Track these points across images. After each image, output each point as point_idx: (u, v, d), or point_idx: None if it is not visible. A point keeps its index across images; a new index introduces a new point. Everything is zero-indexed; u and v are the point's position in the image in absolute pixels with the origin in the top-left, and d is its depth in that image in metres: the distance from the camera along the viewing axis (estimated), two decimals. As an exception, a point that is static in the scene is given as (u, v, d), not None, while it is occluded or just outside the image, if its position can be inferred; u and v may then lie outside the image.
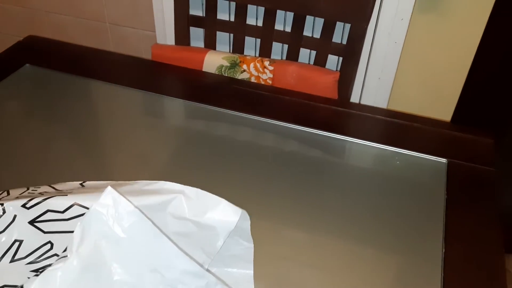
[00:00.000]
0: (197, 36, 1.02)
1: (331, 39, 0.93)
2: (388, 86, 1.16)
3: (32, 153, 0.67)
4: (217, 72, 0.93)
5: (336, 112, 0.78)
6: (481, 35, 1.05)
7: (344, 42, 0.92)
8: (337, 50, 0.93)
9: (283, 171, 0.66)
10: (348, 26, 0.91)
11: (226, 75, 0.93)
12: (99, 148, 0.69)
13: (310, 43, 0.95)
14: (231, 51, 0.99)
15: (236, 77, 0.93)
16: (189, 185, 0.46)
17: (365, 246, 0.57)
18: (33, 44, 0.92)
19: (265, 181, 0.64)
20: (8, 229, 0.38)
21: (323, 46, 0.93)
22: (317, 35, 0.95)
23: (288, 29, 0.96)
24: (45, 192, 0.45)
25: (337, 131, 0.73)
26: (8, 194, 0.46)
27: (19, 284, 0.37)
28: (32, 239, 0.38)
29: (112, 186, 0.40)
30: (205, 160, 0.68)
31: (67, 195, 0.40)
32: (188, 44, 0.99)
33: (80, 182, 0.52)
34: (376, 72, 1.13)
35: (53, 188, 0.47)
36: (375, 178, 0.66)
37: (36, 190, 0.45)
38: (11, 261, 0.37)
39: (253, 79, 0.93)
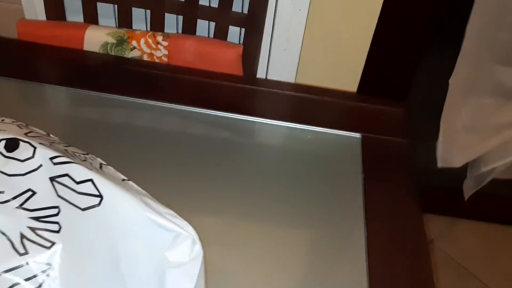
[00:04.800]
0: (73, 8, 0.88)
1: (231, 8, 0.86)
2: (295, 57, 1.11)
3: None
4: (101, 51, 0.80)
5: (242, 90, 0.73)
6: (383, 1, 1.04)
7: (245, 11, 0.85)
8: (238, 20, 0.87)
9: (186, 158, 0.60)
10: (248, -7, 0.83)
11: (113, 53, 0.81)
12: None
13: (207, 13, 0.86)
14: (117, 25, 0.87)
15: (125, 56, 0.81)
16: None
17: (280, 228, 0.54)
18: None
19: (167, 169, 0.58)
20: (28, 175, 0.39)
21: (222, 17, 0.86)
22: (214, 4, 0.87)
23: (182, -2, 0.86)
24: (79, 155, 0.45)
25: (244, 112, 0.68)
26: (48, 135, 0.46)
27: (10, 228, 0.36)
28: (46, 196, 0.39)
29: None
30: (97, 153, 0.58)
31: (91, 170, 0.40)
32: (64, 18, 0.85)
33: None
34: (282, 42, 1.08)
35: (92, 160, 0.46)
36: (287, 159, 0.63)
37: (76, 152, 0.45)
38: (17, 207, 0.37)
39: (145, 57, 0.82)
